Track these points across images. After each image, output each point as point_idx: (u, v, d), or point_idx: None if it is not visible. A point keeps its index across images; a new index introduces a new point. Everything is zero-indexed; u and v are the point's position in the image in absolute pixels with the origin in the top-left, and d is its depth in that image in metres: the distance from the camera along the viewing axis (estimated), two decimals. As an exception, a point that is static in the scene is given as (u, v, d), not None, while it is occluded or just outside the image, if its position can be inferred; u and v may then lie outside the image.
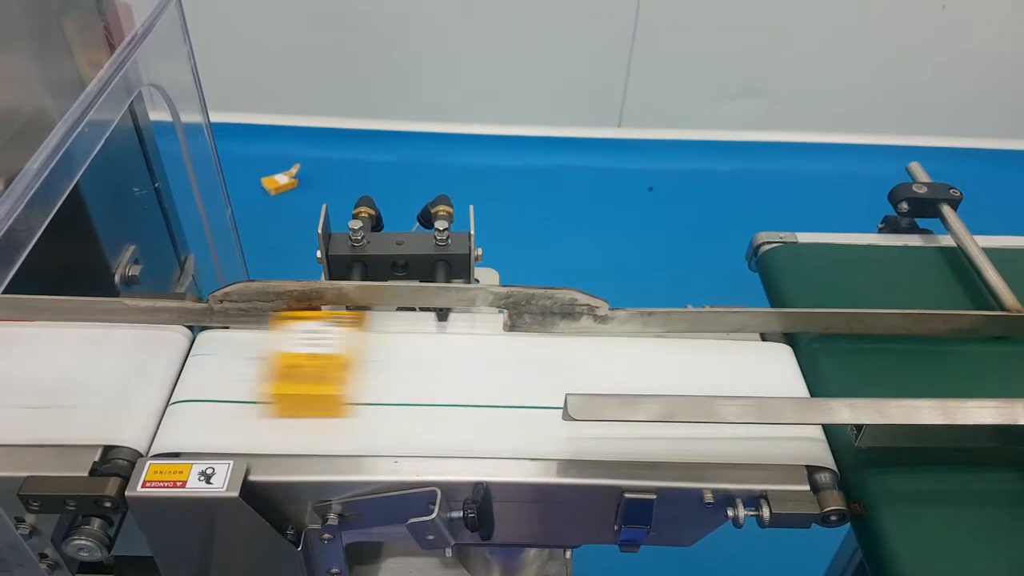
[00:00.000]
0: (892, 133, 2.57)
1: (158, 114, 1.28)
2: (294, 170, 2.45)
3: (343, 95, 2.62)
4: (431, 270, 0.77)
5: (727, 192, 2.46)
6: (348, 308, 0.75)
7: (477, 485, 0.61)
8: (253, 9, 2.45)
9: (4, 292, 0.62)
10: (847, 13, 2.43)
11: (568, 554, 0.78)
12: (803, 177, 2.53)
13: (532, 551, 0.81)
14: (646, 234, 2.30)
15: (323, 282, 0.70)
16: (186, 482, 0.59)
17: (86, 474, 0.60)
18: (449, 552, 0.76)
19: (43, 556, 0.67)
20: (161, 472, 0.59)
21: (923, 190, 0.90)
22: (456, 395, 0.67)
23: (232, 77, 2.48)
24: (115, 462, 0.61)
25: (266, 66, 2.56)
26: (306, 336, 0.67)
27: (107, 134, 0.74)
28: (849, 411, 0.61)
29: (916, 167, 0.94)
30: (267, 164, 2.46)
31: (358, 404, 0.66)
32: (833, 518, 0.62)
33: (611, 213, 2.40)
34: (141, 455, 0.62)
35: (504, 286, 0.70)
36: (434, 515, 0.59)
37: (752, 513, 0.63)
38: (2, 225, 0.63)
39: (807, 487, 0.63)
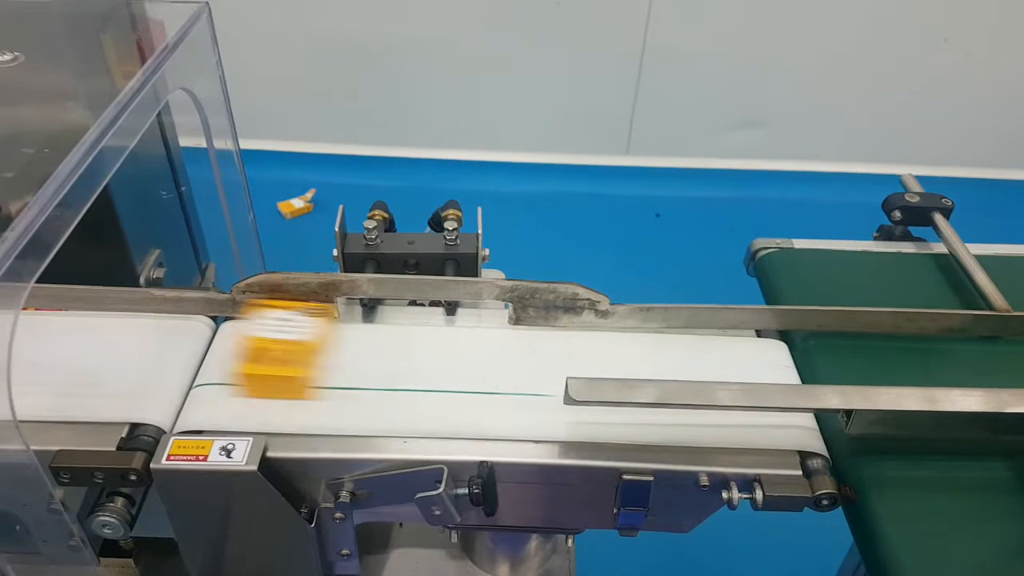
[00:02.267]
0: (892, 162, 2.62)
1: (188, 140, 1.34)
2: (309, 195, 2.51)
3: (358, 123, 2.69)
4: (440, 268, 0.80)
5: (732, 218, 2.50)
6: (363, 302, 0.78)
7: (482, 464, 0.64)
8: (272, 43, 2.53)
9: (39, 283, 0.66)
10: (849, 45, 2.49)
11: (570, 542, 0.81)
12: (806, 204, 2.57)
13: (535, 542, 0.83)
14: (653, 258, 2.35)
15: (339, 274, 0.74)
16: (208, 456, 0.62)
17: (113, 448, 0.64)
18: (455, 537, 0.79)
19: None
20: (184, 447, 0.63)
21: (915, 199, 0.93)
22: (463, 382, 0.70)
23: (252, 107, 2.55)
24: (141, 438, 0.65)
25: (284, 97, 2.64)
26: (276, 323, 0.71)
27: (137, 138, 0.78)
28: (837, 397, 0.64)
29: (909, 178, 0.97)
30: (284, 189, 2.52)
31: (368, 389, 0.69)
32: (825, 502, 0.65)
33: (619, 238, 2.44)
34: (165, 432, 0.66)
35: (509, 280, 0.74)
36: (440, 490, 0.62)
37: (746, 496, 0.65)
38: (37, 220, 0.67)
39: (799, 472, 0.66)
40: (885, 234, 0.95)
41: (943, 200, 0.93)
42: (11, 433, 0.56)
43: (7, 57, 0.85)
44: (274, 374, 0.67)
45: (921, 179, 0.97)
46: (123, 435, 0.65)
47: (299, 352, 0.69)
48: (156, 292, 0.73)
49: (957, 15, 2.44)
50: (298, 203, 2.48)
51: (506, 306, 0.77)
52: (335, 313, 0.75)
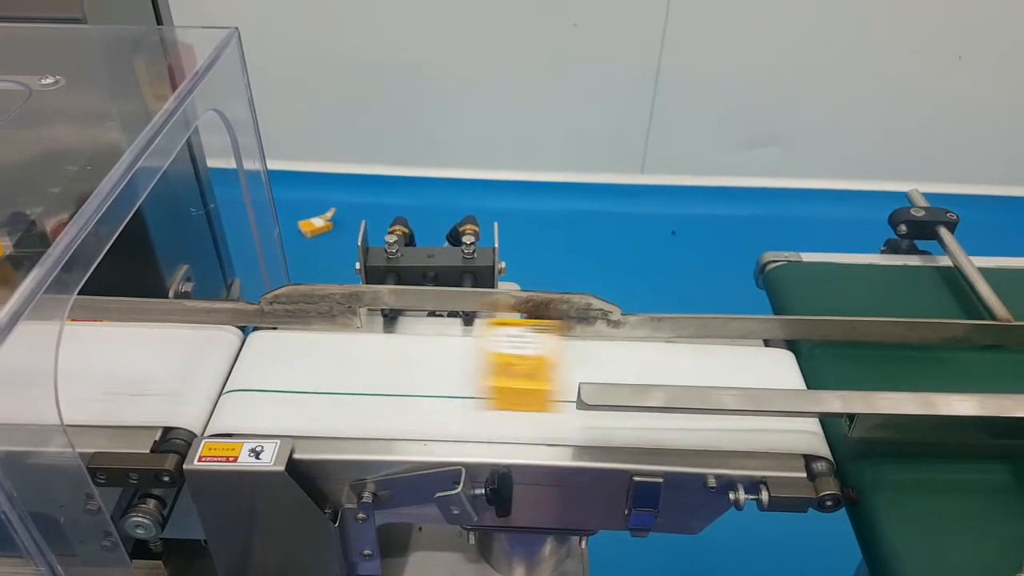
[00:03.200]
0: (906, 180, 2.63)
1: (214, 160, 1.39)
2: (329, 214, 2.56)
3: (377, 144, 2.75)
4: (458, 281, 0.84)
5: (747, 235, 2.53)
6: (384, 313, 0.82)
7: (498, 466, 0.67)
8: (290, 65, 2.59)
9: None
10: (863, 64, 2.51)
11: (583, 545, 0.83)
12: (820, 222, 2.59)
13: (550, 545, 0.85)
14: (669, 276, 2.37)
15: (362, 286, 0.77)
16: (237, 457, 0.65)
17: (148, 451, 0.67)
18: (472, 540, 0.82)
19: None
20: (215, 449, 0.66)
21: (921, 213, 0.95)
22: (479, 388, 0.73)
23: (273, 128, 2.61)
24: (174, 441, 0.68)
25: (304, 118, 2.71)
26: (510, 339, 0.74)
27: (170, 159, 0.82)
28: (839, 401, 0.67)
29: (915, 193, 1.00)
30: (304, 208, 2.57)
31: (390, 395, 0.72)
32: (828, 503, 0.67)
33: (635, 255, 2.47)
34: (197, 436, 0.69)
35: (524, 291, 0.77)
36: (459, 490, 0.64)
37: (752, 497, 0.67)
38: (79, 236, 0.71)
39: (804, 474, 0.68)
40: (892, 248, 0.98)
41: (948, 214, 0.95)
42: (59, 436, 0.59)
43: (50, 80, 0.89)
44: (522, 387, 0.71)
45: (934, 197, 0.99)
46: (156, 438, 0.68)
47: (540, 367, 0.72)
48: (188, 303, 0.77)
49: (971, 33, 2.46)
50: (318, 222, 2.53)
51: (521, 316, 0.80)
52: (561, 328, 0.78)
